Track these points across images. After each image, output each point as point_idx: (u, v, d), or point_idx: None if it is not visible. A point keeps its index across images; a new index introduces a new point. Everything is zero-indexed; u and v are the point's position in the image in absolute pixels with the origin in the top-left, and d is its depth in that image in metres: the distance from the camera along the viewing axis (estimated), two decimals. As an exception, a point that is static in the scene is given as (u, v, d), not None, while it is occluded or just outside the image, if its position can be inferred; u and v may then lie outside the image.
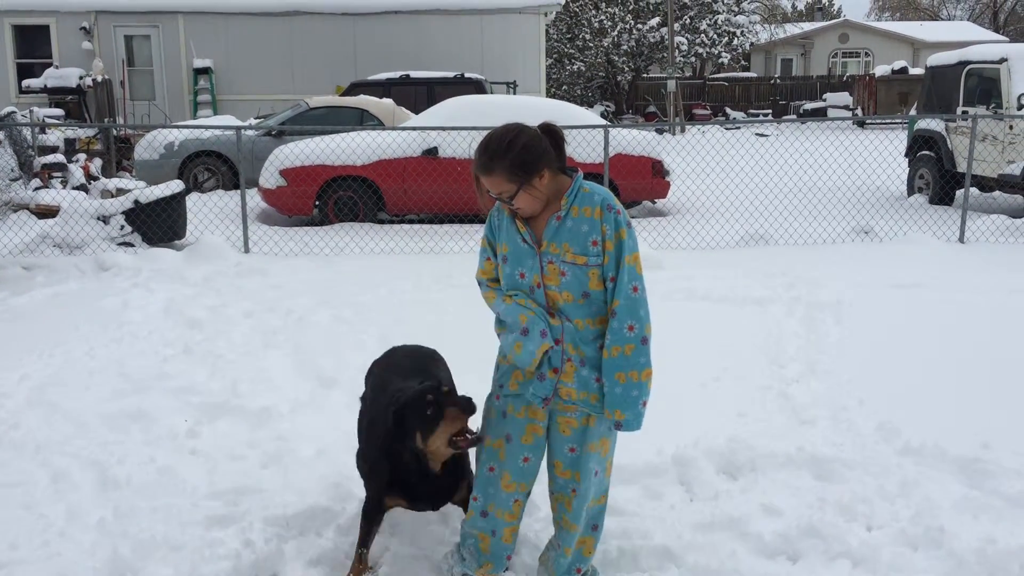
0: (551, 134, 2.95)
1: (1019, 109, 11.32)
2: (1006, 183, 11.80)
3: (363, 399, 3.72)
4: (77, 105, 17.97)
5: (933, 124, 13.04)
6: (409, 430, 3.10)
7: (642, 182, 11.72)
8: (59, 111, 17.03)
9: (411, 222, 11.62)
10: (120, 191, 10.58)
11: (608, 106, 35.54)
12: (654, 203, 12.57)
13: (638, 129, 13.14)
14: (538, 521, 3.64)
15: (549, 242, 2.92)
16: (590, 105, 34.50)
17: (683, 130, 27.35)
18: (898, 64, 32.36)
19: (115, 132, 15.89)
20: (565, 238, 2.91)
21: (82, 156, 13.64)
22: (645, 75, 38.27)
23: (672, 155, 12.65)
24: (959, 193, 11.48)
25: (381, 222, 11.41)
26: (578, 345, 2.94)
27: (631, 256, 2.90)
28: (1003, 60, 11.93)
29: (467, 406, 3.08)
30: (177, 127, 13.30)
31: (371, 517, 3.33)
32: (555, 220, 2.92)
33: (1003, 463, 4.19)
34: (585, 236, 2.90)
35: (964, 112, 12.08)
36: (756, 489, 4.08)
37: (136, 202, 9.53)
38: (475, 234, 10.07)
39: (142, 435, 4.58)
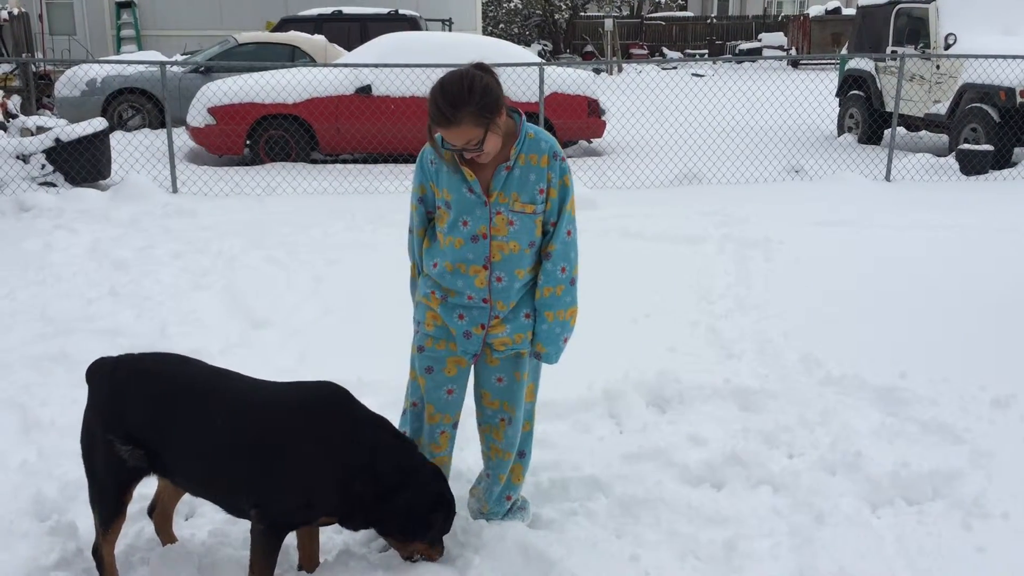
0: (489, 73, 2.84)
1: (946, 49, 11.52)
2: (932, 122, 12.06)
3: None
4: (-8, 39, 17.18)
5: (863, 64, 13.22)
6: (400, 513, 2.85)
7: (578, 121, 11.70)
8: (-27, 46, 16.28)
9: (344, 162, 11.45)
10: (40, 129, 10.18)
11: (545, 45, 35.29)
12: (590, 142, 12.58)
13: (574, 68, 13.07)
14: (471, 454, 3.68)
15: (498, 192, 2.88)
16: (527, 44, 34.20)
17: (620, 70, 27.28)
18: (831, 4, 32.56)
19: (34, 68, 15.27)
20: (514, 187, 2.88)
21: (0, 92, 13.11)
22: (583, 14, 38.01)
23: (608, 94, 12.64)
24: (887, 132, 11.69)
25: (314, 162, 11.22)
26: (509, 300, 2.96)
27: (571, 202, 2.95)
28: (931, 0, 12.09)
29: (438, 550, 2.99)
30: (100, 63, 12.82)
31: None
32: (504, 170, 2.87)
33: (918, 391, 4.35)
34: (533, 185, 2.88)
35: (893, 52, 12.25)
36: (683, 420, 4.18)
37: (57, 140, 9.21)
38: (409, 174, 9.93)
39: (66, 376, 4.49)
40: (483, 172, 2.89)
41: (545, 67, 10.47)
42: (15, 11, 17.82)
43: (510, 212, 2.88)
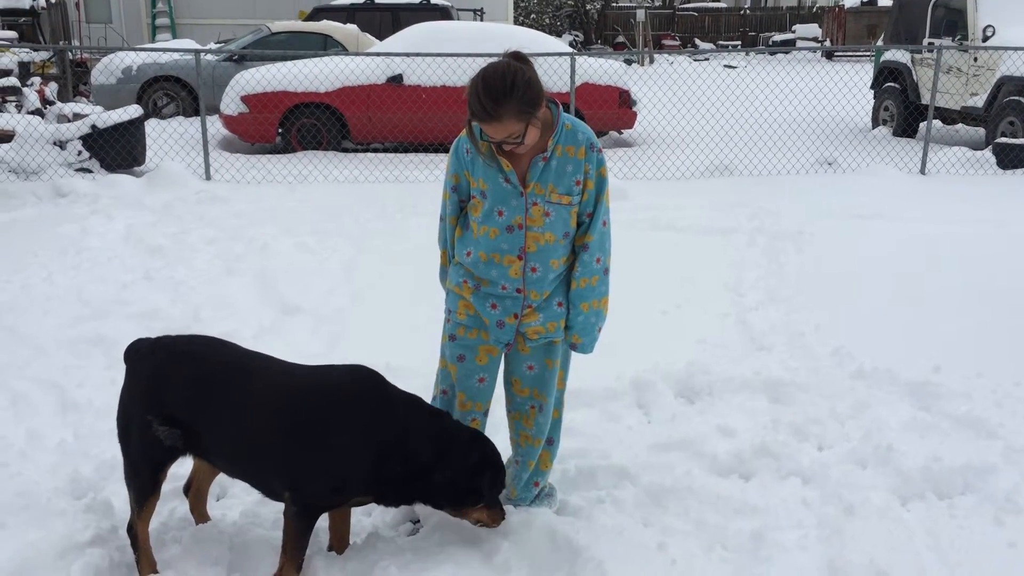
0: (527, 64, 2.81)
1: (984, 41, 11.34)
2: (969, 115, 11.89)
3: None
4: (31, 27, 17.42)
5: (899, 56, 13.05)
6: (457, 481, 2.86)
7: (609, 112, 11.66)
8: (12, 34, 16.47)
9: (375, 151, 11.49)
10: (77, 116, 10.32)
11: (577, 35, 35.14)
12: (620, 133, 12.53)
13: (606, 58, 13.02)
14: (500, 441, 3.69)
15: (535, 183, 2.88)
16: (558, 34, 34.06)
17: (651, 60, 27.12)
18: (868, -5, 32.13)
19: (71, 55, 15.45)
20: (551, 178, 2.87)
21: (37, 80, 13.29)
22: (614, 4, 37.81)
23: (640, 85, 12.59)
24: (923, 125, 11.55)
25: (345, 150, 11.27)
26: (542, 290, 2.97)
27: (607, 193, 2.96)
28: (970, -9, 11.89)
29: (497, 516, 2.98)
30: (135, 50, 12.95)
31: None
32: (540, 161, 2.86)
33: (952, 386, 4.31)
34: (570, 176, 2.88)
35: (930, 44, 12.08)
36: (712, 412, 4.17)
37: (93, 127, 9.32)
38: (440, 163, 9.99)
39: (103, 359, 4.57)
40: (520, 162, 2.88)
41: (576, 57, 10.44)
42: (53, 0, 18.05)
43: (546, 203, 2.89)
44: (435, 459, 2.80)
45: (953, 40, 11.83)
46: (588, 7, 36.44)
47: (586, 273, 2.98)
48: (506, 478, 3.34)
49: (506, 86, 2.68)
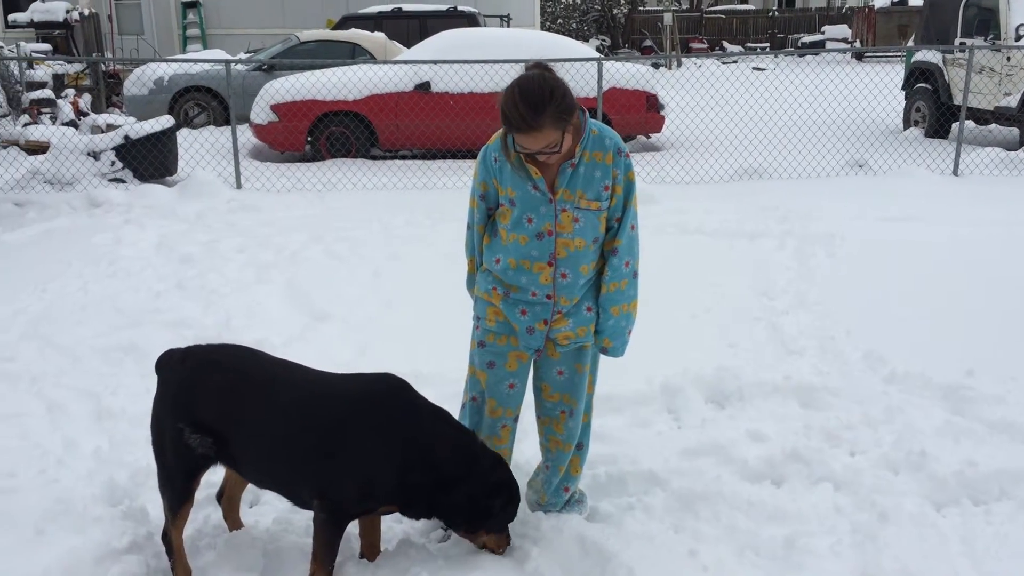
0: (553, 73, 2.82)
1: (1017, 40, 11.19)
2: (1002, 115, 11.73)
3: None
4: (64, 40, 17.68)
5: (930, 56, 12.91)
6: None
7: (636, 116, 11.64)
8: (46, 46, 16.77)
9: (404, 158, 11.55)
10: (110, 127, 10.48)
11: (604, 40, 35.09)
12: (648, 137, 12.50)
13: (633, 63, 13.00)
14: (529, 447, 3.70)
15: (563, 189, 2.89)
16: (585, 39, 34.04)
17: (679, 64, 27.05)
18: (898, -5, 31.82)
19: (104, 67, 15.68)
20: (579, 185, 2.89)
21: (71, 91, 13.50)
22: (642, 8, 37.74)
23: (667, 89, 12.54)
24: (955, 126, 11.41)
25: (374, 158, 11.34)
26: (572, 295, 2.98)
27: (635, 197, 2.97)
28: (1003, -10, 11.74)
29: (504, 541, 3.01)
30: (166, 61, 13.12)
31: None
32: (569, 167, 2.88)
33: (985, 390, 4.25)
34: (599, 182, 2.90)
35: (962, 44, 11.94)
36: (743, 417, 4.15)
37: (126, 138, 9.45)
38: (468, 170, 10.02)
39: (136, 367, 4.63)
40: (548, 169, 2.89)
41: (603, 62, 10.44)
42: (86, 12, 18.33)
43: (575, 209, 2.90)
44: (457, 474, 2.82)
45: (985, 39, 11.68)
46: (615, 11, 36.39)
47: (616, 277, 2.99)
48: (537, 483, 3.35)
49: (544, 96, 2.70)
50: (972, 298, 5.69)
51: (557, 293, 2.96)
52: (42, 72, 13.12)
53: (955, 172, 10.07)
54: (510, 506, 2.96)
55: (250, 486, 3.27)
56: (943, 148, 10.91)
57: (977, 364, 4.52)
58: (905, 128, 13.32)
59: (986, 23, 11.90)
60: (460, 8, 17.06)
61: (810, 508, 3.35)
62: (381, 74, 11.04)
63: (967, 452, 3.70)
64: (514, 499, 2.96)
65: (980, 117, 12.23)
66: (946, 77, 12.57)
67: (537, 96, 2.69)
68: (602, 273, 3.02)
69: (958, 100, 11.38)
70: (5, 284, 6.09)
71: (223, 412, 2.85)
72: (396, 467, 2.78)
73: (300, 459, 2.80)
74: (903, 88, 13.74)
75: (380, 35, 14.41)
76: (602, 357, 3.20)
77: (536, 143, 2.75)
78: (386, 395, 2.88)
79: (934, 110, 12.64)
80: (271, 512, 3.38)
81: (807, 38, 33.70)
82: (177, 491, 2.92)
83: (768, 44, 36.57)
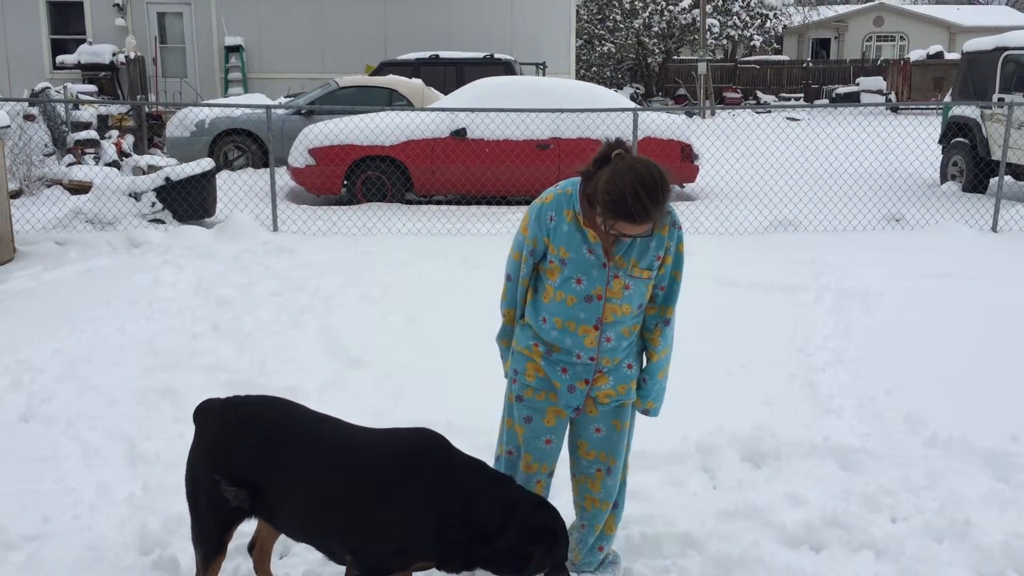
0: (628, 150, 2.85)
1: (1057, 96, 11.12)
2: (1042, 172, 11.61)
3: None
4: (110, 82, 18.10)
5: (968, 111, 12.84)
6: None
7: (671, 166, 11.49)
8: (92, 87, 17.16)
9: (439, 203, 11.63)
10: (152, 168, 10.66)
11: (638, 88, 35.34)
12: (682, 187, 12.50)
13: (667, 112, 13.05)
14: (563, 503, 3.65)
15: (619, 256, 2.89)
16: (619, 87, 34.30)
17: (713, 113, 27.12)
18: (934, 49, 31.80)
19: (147, 109, 16.01)
20: (634, 253, 2.89)
21: (115, 133, 13.77)
22: (676, 57, 37.96)
23: (701, 139, 12.57)
24: (993, 181, 11.31)
25: (409, 202, 11.43)
26: (615, 357, 2.98)
27: (683, 270, 3.00)
28: (1042, 46, 11.70)
29: None
30: (208, 105, 13.36)
31: None
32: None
33: (1031, 457, 4.15)
34: (653, 251, 2.91)
35: (1000, 99, 11.88)
36: (780, 478, 4.07)
37: (167, 179, 9.60)
38: (502, 216, 10.07)
39: (171, 411, 4.64)
40: (606, 235, 2.87)
41: (639, 112, 10.49)
42: (132, 55, 18.77)
43: (628, 277, 2.89)
44: (499, 526, 2.78)
45: (1024, 95, 11.61)
46: (649, 60, 36.66)
47: (666, 345, 3.04)
48: (571, 543, 3.30)
49: (665, 191, 2.72)
50: (1015, 358, 5.58)
51: (600, 355, 2.95)
52: (87, 113, 13.40)
53: (994, 228, 9.96)
54: (555, 547, 2.87)
55: (281, 537, 3.25)
56: (981, 203, 10.80)
57: (1022, 428, 4.42)
58: (942, 182, 13.23)
59: (1025, 79, 11.84)
60: (496, 56, 17.28)
61: (851, 576, 3.27)
62: (418, 120, 11.17)
63: (1012, 522, 3.60)
64: (558, 539, 2.88)
65: (1019, 173, 12.12)
66: (984, 132, 12.48)
67: (658, 189, 2.69)
68: (651, 339, 3.03)
69: (996, 155, 11.30)
70: (44, 323, 6.17)
71: (261, 466, 2.85)
72: (432, 526, 2.76)
73: (337, 516, 2.78)
74: (940, 142, 13.67)
75: (417, 81, 14.61)
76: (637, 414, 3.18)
77: (639, 230, 2.76)
78: (422, 453, 2.86)
79: (972, 165, 12.55)
80: (301, 564, 3.35)
81: (841, 89, 33.70)
82: (211, 543, 2.90)
83: (802, 95, 36.60)
